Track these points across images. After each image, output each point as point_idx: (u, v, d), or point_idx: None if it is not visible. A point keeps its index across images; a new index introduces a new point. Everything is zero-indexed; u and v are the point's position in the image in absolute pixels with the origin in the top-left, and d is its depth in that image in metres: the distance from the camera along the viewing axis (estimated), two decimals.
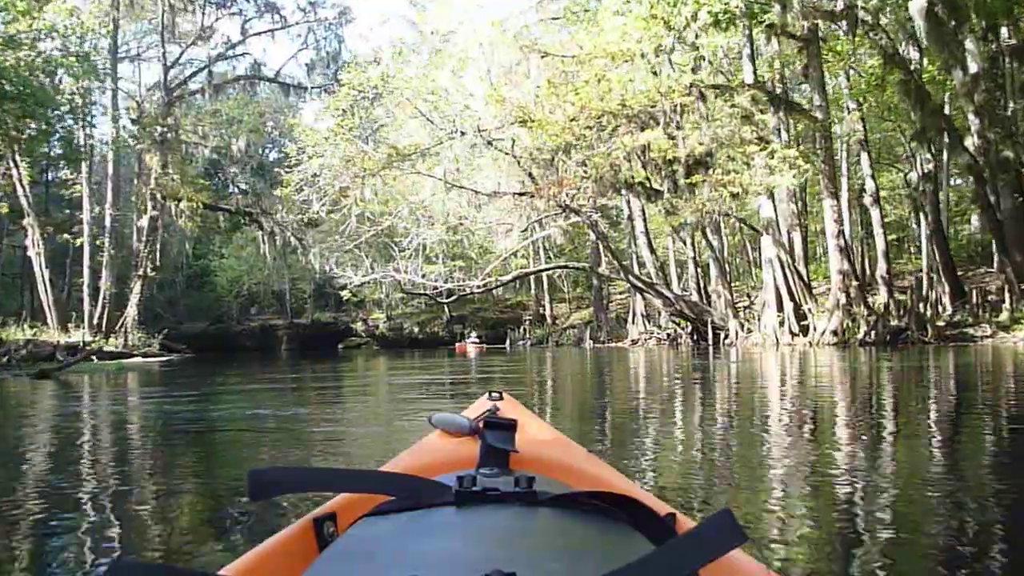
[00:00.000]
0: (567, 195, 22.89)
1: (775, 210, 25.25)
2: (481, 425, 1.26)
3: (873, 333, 21.90)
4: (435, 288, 30.98)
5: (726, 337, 26.89)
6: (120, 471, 4.42)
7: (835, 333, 22.98)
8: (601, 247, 32.53)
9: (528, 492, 0.97)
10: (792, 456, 4.30)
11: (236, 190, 43.00)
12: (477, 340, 40.58)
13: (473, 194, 28.52)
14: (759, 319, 25.76)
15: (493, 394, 1.72)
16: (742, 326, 26.21)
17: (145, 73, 44.35)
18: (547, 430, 1.62)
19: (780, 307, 24.99)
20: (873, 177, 28.60)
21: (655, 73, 19.97)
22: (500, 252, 33.06)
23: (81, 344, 30.51)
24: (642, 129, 20.19)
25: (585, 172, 21.70)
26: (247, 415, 7.47)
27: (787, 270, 24.85)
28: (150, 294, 53.06)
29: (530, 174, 24.28)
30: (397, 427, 6.24)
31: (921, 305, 22.46)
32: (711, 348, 25.93)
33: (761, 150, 18.85)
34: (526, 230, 27.25)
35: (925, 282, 26.11)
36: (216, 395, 10.80)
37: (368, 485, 1.06)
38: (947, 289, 24.30)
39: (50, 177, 41.60)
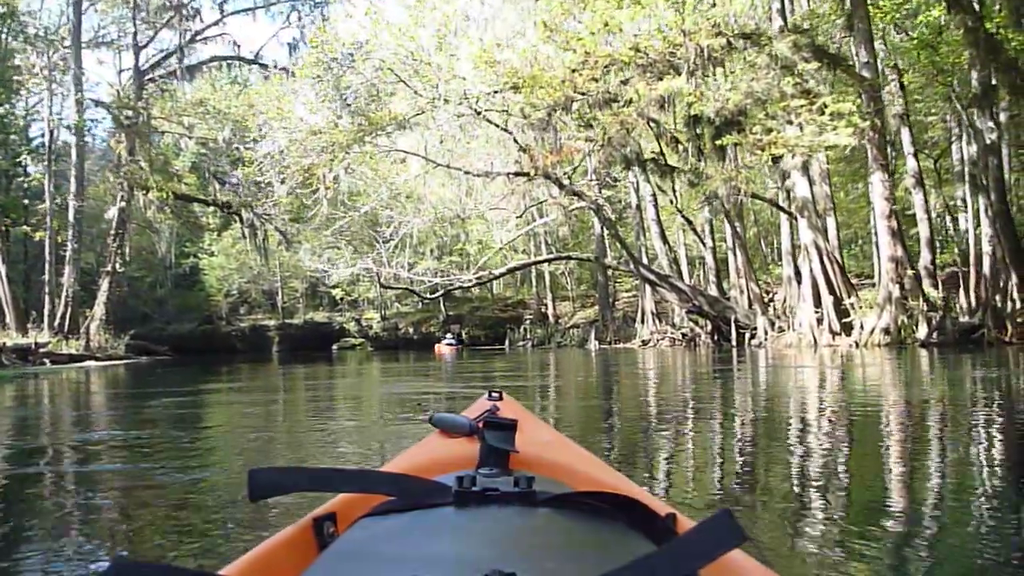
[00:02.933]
0: (567, 169, 18.69)
1: (811, 190, 21.04)
2: (481, 425, 1.23)
3: (937, 332, 17.68)
4: (422, 283, 26.53)
5: (752, 337, 22.68)
6: None
7: (887, 332, 18.76)
8: (607, 236, 28.31)
9: (528, 492, 0.94)
10: (844, 496, 3.16)
11: (223, 184, 39.00)
12: (453, 341, 37.32)
13: (463, 177, 24.33)
14: (792, 316, 21.54)
15: (493, 394, 1.68)
16: (772, 324, 21.99)
17: (127, 59, 40.23)
18: (547, 431, 1.58)
19: (818, 302, 20.78)
20: (916, 156, 24.35)
21: (677, 9, 15.75)
22: (497, 245, 28.80)
23: (32, 346, 26.56)
24: (660, 79, 15.99)
25: (590, 137, 17.43)
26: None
27: (826, 259, 20.64)
28: (136, 294, 49.75)
29: (522, 149, 20.04)
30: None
31: (998, 298, 18.21)
32: (735, 349, 21.84)
33: (809, 104, 14.60)
34: (522, 216, 23.05)
35: (976, 273, 21.81)
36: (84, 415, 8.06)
37: (368, 485, 1.03)
38: (1015, 280, 20.00)
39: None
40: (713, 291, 26.31)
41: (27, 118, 33.52)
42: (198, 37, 34.17)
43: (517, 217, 23.21)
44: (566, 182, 20.09)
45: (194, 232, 48.46)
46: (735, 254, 27.09)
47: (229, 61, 34.00)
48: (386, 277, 26.36)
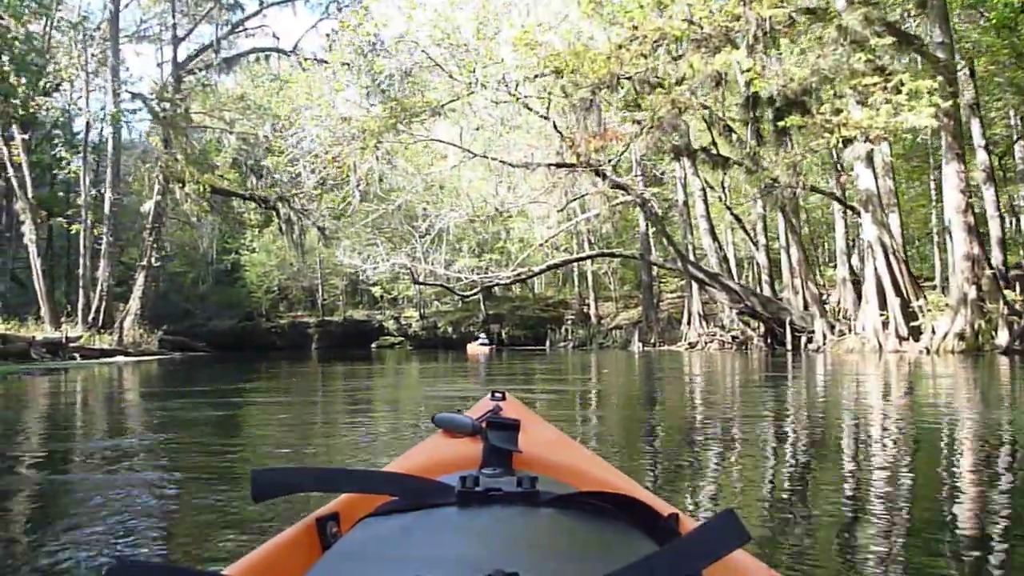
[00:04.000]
0: (611, 158, 17.15)
1: (876, 183, 19.23)
2: (484, 425, 1.22)
3: (1020, 339, 15.82)
4: (459, 280, 25.11)
5: (809, 341, 20.92)
6: None
7: (962, 337, 16.93)
8: (652, 234, 26.70)
9: (531, 492, 0.92)
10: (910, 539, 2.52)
11: (260, 178, 38.09)
12: (486, 341, 36.36)
13: (502, 170, 22.93)
14: (853, 318, 19.75)
15: (496, 394, 1.65)
16: (831, 327, 20.19)
17: (167, 53, 39.63)
18: (550, 431, 1.52)
19: (882, 304, 18.99)
20: (988, 149, 22.37)
21: None
22: (538, 241, 27.33)
23: (63, 340, 25.91)
24: (715, 53, 14.35)
25: (637, 119, 15.81)
26: None
27: (892, 257, 18.83)
28: (178, 289, 49.40)
29: (563, 137, 18.49)
30: None
31: None
32: (790, 354, 20.16)
33: (884, 82, 12.86)
34: (563, 209, 21.53)
35: None
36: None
37: (371, 485, 1.01)
38: None
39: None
40: (766, 291, 24.53)
41: (67, 113, 32.96)
42: (237, 29, 33.29)
43: (558, 211, 21.74)
44: (610, 172, 18.53)
45: (235, 228, 47.97)
46: (789, 252, 25.26)
47: (268, 53, 33.03)
48: (423, 274, 25.00)
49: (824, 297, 25.90)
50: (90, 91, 30.60)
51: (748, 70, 13.72)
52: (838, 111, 13.50)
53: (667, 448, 4.75)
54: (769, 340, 22.95)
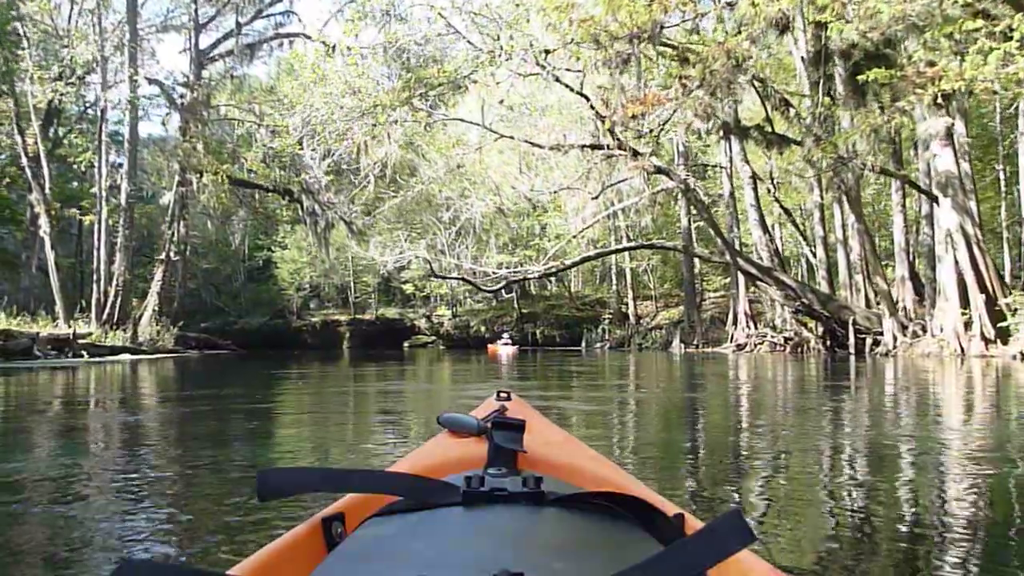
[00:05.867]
0: (651, 126, 14.74)
1: (956, 163, 16.52)
2: (489, 425, 1.21)
3: None
4: (485, 275, 22.72)
5: (875, 343, 18.24)
6: None
7: None
8: (693, 228, 24.06)
9: (536, 492, 0.92)
10: None
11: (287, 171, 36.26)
12: (508, 341, 34.66)
13: (532, 157, 20.61)
14: (930, 318, 17.07)
15: (501, 394, 1.62)
16: (903, 328, 17.48)
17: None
18: (555, 431, 1.48)
19: (964, 302, 16.29)
20: None
21: None
22: (571, 232, 24.96)
23: (70, 336, 24.30)
24: None
25: (685, 77, 13.25)
26: None
27: (975, 248, 16.12)
28: (213, 286, 48.06)
29: (595, 110, 16.04)
30: None
31: None
32: (853, 358, 17.57)
33: (990, 25, 10.25)
34: (597, 196, 19.09)
35: None
36: None
37: (376, 485, 1.00)
38: None
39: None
40: (825, 285, 21.84)
41: (84, 100, 31.51)
42: (261, 14, 31.45)
43: (593, 198, 19.35)
44: (647, 150, 16.09)
45: (267, 224, 46.53)
46: (847, 246, 22.49)
47: (292, 38, 31.13)
48: (445, 267, 22.73)
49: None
50: (108, 80, 28.85)
51: (824, 7, 11.18)
52: (931, 63, 10.94)
53: (713, 475, 3.71)
54: (828, 342, 20.28)
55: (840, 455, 4.21)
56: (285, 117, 21.96)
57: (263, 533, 2.40)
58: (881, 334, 18.12)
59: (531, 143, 18.54)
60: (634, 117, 13.64)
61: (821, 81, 13.70)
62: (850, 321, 18.79)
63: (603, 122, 15.06)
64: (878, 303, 18.52)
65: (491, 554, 0.75)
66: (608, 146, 16.72)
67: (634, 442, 4.92)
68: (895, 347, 17.37)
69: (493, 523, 0.86)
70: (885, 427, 5.53)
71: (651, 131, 15.54)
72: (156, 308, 29.49)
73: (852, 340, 18.69)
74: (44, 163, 27.90)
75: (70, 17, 31.39)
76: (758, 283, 21.09)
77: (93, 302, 27.61)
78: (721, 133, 16.75)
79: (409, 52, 17.91)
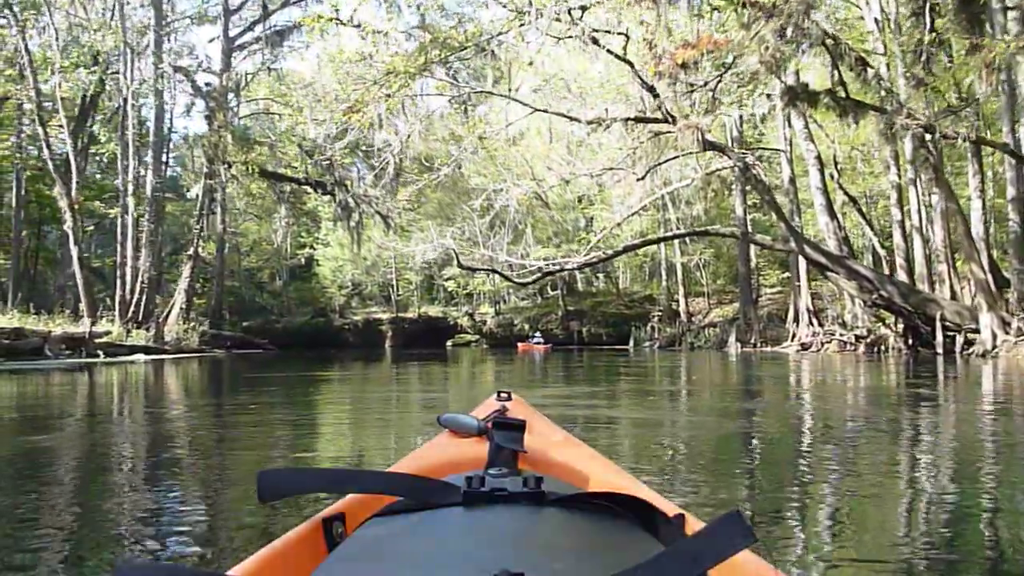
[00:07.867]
0: (706, 77, 12.26)
1: None
2: (490, 425, 1.19)
3: None
4: (523, 265, 20.39)
5: (968, 343, 15.43)
6: None
7: None
8: (748, 219, 21.40)
9: (536, 492, 0.91)
10: None
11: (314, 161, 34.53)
12: (541, 340, 34.22)
13: (572, 135, 18.27)
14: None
15: (502, 394, 1.59)
16: (1005, 325, 14.66)
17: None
18: (556, 431, 1.47)
19: None
20: None
21: None
22: (617, 219, 22.49)
23: (86, 335, 22.82)
24: None
25: (749, 18, 10.72)
26: None
27: None
28: (258, 284, 46.90)
29: (646, 86, 13.55)
30: None
31: None
32: (941, 358, 14.89)
33: None
34: (643, 178, 16.69)
35: None
36: None
37: (377, 486, 0.99)
38: None
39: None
40: (904, 276, 19.00)
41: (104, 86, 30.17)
42: (290, 2, 29.71)
43: (638, 179, 16.97)
44: (701, 111, 13.60)
45: (309, 222, 45.20)
46: (923, 233, 19.61)
47: (323, 25, 29.31)
48: (478, 259, 20.49)
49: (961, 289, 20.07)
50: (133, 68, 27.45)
51: None
52: None
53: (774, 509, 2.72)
54: (910, 341, 17.46)
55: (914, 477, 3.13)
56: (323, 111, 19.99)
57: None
58: (975, 331, 15.30)
59: (568, 116, 16.20)
60: (684, 66, 11.26)
61: (924, 15, 11.02)
62: (937, 316, 15.99)
63: (646, 80, 12.63)
64: (974, 296, 15.66)
65: (491, 554, 0.73)
66: (654, 112, 14.31)
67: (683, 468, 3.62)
68: (995, 347, 14.55)
69: (493, 523, 0.84)
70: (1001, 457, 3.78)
71: (705, 84, 12.99)
72: (184, 306, 28.00)
73: (940, 338, 15.90)
74: (72, 157, 26.64)
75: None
76: (825, 275, 18.35)
77: (117, 299, 26.19)
78: (786, 99, 14.17)
79: (431, 16, 15.88)
